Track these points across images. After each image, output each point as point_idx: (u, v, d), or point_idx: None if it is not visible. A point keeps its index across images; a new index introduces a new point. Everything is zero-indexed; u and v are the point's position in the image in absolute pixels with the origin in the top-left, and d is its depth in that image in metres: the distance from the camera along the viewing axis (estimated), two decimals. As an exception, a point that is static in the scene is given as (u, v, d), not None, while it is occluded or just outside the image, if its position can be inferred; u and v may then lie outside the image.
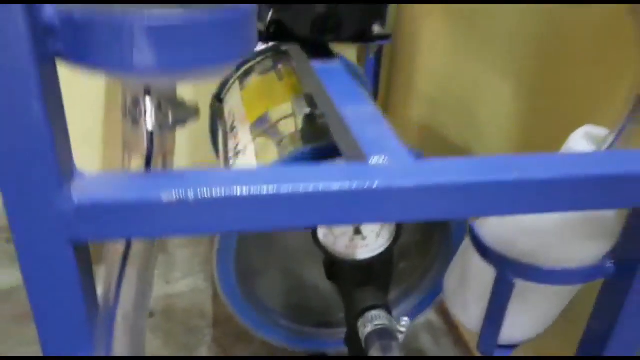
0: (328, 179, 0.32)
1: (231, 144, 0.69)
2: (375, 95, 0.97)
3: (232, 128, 0.71)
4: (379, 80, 0.98)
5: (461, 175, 0.33)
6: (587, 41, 0.56)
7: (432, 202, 0.34)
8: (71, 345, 0.34)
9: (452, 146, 0.82)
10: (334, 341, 0.69)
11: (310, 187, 0.31)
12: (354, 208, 0.33)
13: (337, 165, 0.34)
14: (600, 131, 0.42)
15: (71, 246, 0.30)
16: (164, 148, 0.33)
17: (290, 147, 0.55)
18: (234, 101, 0.77)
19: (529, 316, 0.46)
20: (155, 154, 0.33)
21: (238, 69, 0.80)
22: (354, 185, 0.32)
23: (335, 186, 0.32)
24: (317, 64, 0.54)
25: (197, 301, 0.86)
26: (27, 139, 0.28)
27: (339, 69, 0.52)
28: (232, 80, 0.83)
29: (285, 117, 0.63)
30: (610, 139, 0.40)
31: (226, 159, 0.68)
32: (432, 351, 0.78)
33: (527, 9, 0.64)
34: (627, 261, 0.41)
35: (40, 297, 0.32)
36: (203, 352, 0.76)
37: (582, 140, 0.41)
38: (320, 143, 0.53)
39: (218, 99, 0.85)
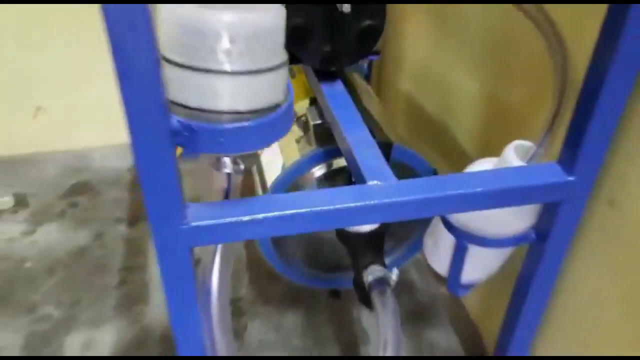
0: (344, 199, 0.51)
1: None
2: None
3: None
4: (371, 77, 1.14)
5: (425, 192, 0.52)
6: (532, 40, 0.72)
7: (409, 209, 0.53)
8: (186, 306, 0.54)
9: (431, 116, 1.00)
10: (344, 282, 0.90)
11: (333, 206, 0.51)
12: (361, 216, 0.52)
13: (349, 188, 0.53)
14: (526, 144, 0.60)
15: (188, 250, 0.50)
16: (237, 185, 0.52)
17: (306, 148, 0.73)
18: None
19: (479, 267, 0.67)
20: (231, 189, 0.51)
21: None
22: (360, 203, 0.51)
23: (348, 204, 0.51)
24: (324, 85, 0.71)
25: (233, 251, 1.08)
26: (166, 190, 0.46)
27: (342, 91, 0.70)
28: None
29: (303, 115, 0.80)
30: (532, 152, 0.59)
31: (255, 147, 0.86)
32: (419, 283, 1.00)
33: (489, 14, 0.79)
34: (543, 231, 0.61)
35: (171, 279, 0.52)
36: (244, 291, 0.99)
37: (512, 153, 0.59)
38: (329, 146, 0.72)
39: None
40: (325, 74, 0.72)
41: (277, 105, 0.47)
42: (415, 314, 0.95)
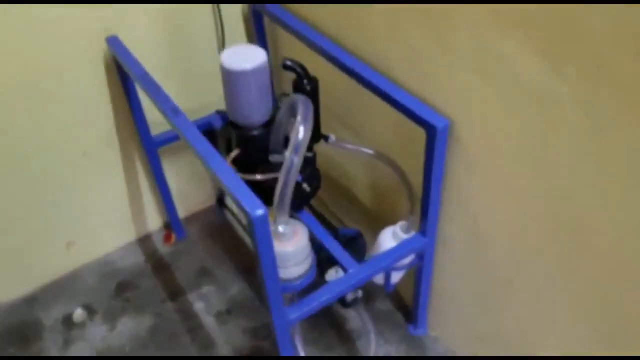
0: (345, 282, 1.20)
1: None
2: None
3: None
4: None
5: (368, 270, 1.23)
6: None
7: (364, 278, 1.24)
8: (286, 343, 1.21)
9: (343, 185, 1.70)
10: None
11: (343, 286, 1.20)
12: (352, 286, 1.22)
13: (346, 275, 1.23)
14: (404, 223, 1.32)
15: (289, 326, 1.17)
16: (296, 294, 1.19)
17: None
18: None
19: (397, 277, 1.41)
20: (295, 296, 1.19)
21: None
22: (351, 281, 1.21)
23: (348, 284, 1.20)
24: (299, 213, 1.38)
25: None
26: (279, 312, 1.13)
27: (310, 216, 1.37)
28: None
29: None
30: (406, 227, 1.31)
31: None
32: (362, 278, 1.74)
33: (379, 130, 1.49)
34: (420, 257, 1.36)
35: (281, 336, 1.18)
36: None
37: (398, 229, 1.31)
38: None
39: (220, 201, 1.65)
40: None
41: (310, 267, 1.15)
42: (369, 296, 1.69)
